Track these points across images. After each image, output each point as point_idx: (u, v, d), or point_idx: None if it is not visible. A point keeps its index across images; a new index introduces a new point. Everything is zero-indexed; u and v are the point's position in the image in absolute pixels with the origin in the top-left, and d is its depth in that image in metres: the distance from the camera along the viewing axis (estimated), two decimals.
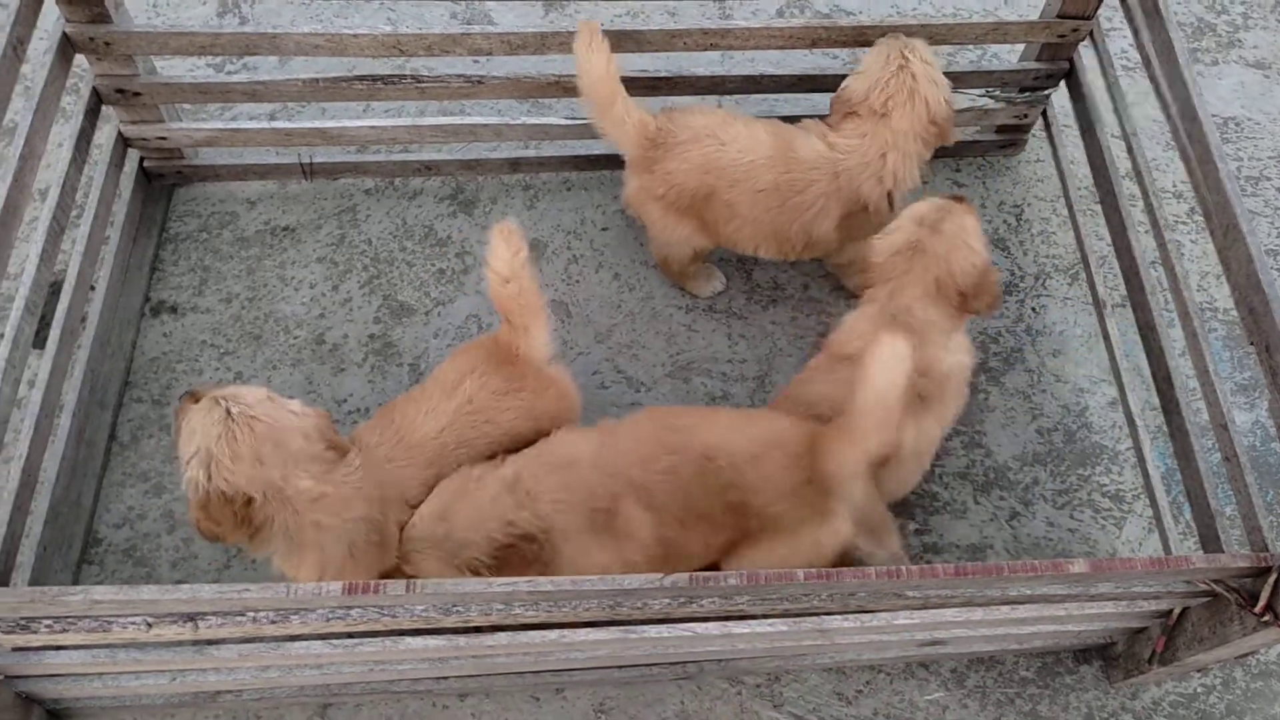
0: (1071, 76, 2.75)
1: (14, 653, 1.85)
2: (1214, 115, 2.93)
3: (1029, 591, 1.82)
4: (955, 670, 2.32)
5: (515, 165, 2.90)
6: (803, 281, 2.79)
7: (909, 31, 2.54)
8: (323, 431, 2.01)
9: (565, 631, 1.89)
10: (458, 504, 2.03)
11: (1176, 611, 2.01)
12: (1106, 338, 2.53)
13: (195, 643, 1.84)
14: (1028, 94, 2.80)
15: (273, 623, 1.70)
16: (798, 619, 1.90)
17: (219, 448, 1.88)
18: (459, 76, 2.59)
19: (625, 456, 2.04)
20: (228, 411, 1.89)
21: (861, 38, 2.55)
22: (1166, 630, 2.05)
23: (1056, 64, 2.73)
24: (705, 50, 2.55)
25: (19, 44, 2.16)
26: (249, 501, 1.89)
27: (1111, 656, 2.31)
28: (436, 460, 2.11)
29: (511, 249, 2.07)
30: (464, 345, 2.28)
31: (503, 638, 1.89)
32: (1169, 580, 1.79)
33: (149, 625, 1.69)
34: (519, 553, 2.00)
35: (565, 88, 2.63)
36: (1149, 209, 2.40)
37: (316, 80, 2.57)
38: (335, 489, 1.97)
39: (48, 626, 1.69)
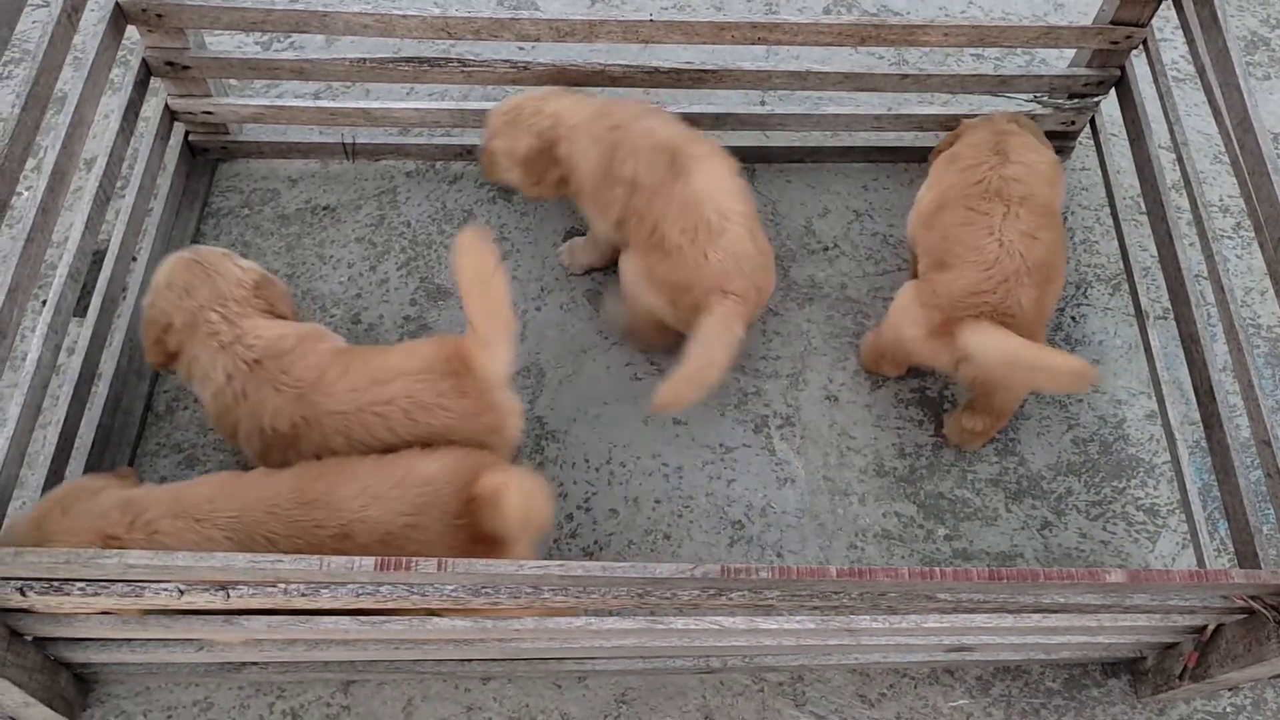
0: (1122, 84, 2.72)
1: (45, 614, 1.86)
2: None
3: (1062, 600, 1.80)
4: (980, 678, 2.30)
5: None
6: (840, 281, 2.78)
7: (959, 33, 2.52)
8: (261, 287, 2.23)
9: (592, 618, 1.88)
10: (56, 513, 1.91)
11: (1211, 627, 1.99)
12: (1148, 349, 2.51)
13: (225, 613, 1.85)
14: (1077, 100, 2.77)
15: (303, 595, 1.71)
16: (826, 616, 1.89)
17: (161, 280, 2.21)
18: (505, 61, 2.60)
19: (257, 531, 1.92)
20: (181, 257, 2.22)
21: (911, 38, 2.54)
22: (1200, 646, 2.02)
23: (1107, 71, 2.70)
24: (753, 44, 2.54)
25: (73, 12, 2.18)
26: (168, 327, 2.17)
27: (1140, 671, 2.28)
28: (332, 411, 2.09)
29: (479, 258, 2.04)
30: (431, 339, 2.20)
31: (529, 621, 1.89)
32: (1206, 595, 1.77)
33: (181, 593, 1.70)
34: None
35: (610, 76, 2.63)
36: (1196, 221, 2.36)
37: (363, 60, 2.58)
38: (236, 334, 2.14)
39: (80, 589, 1.70)
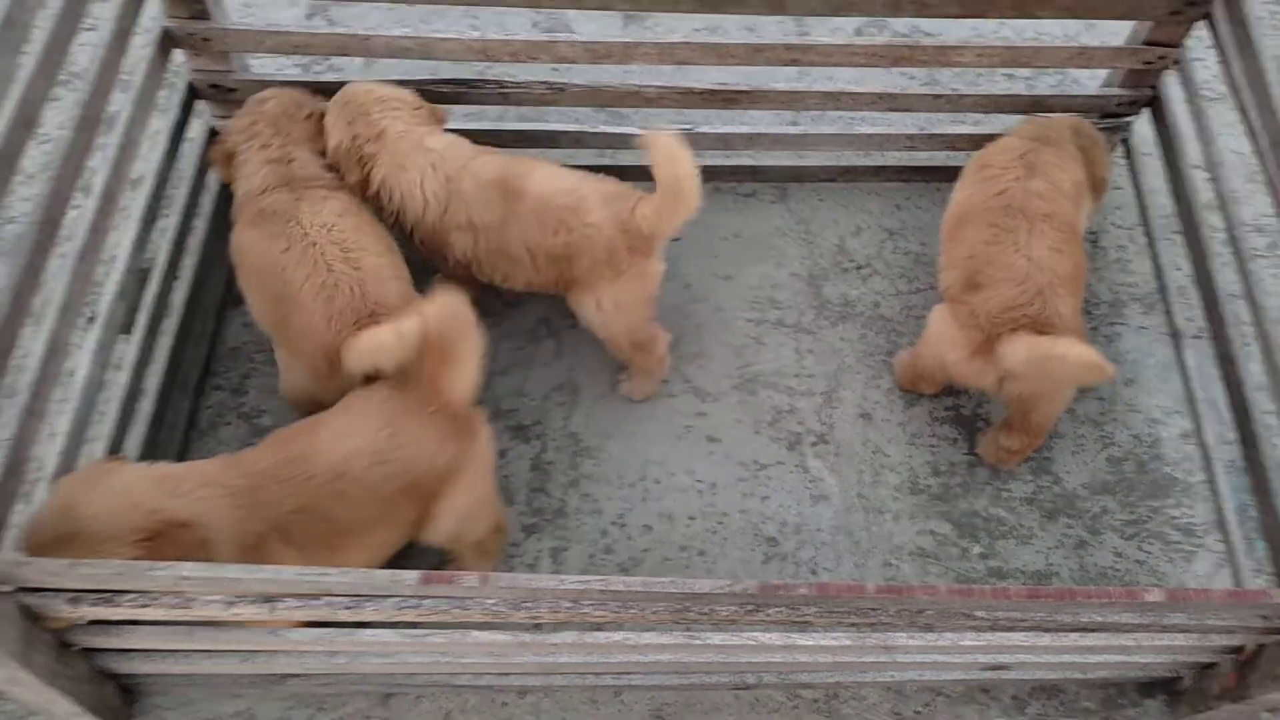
0: (1155, 104, 2.73)
1: (92, 625, 1.90)
2: None
3: (1100, 619, 1.80)
4: (1016, 697, 2.30)
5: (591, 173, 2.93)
6: (873, 300, 2.79)
7: (993, 54, 2.54)
8: (310, 110, 2.45)
9: (630, 633, 1.90)
10: (81, 495, 1.90)
11: (1251, 647, 1.98)
12: (1183, 368, 2.51)
13: (270, 624, 1.88)
14: (1109, 120, 2.78)
15: (347, 608, 1.73)
16: (862, 633, 1.90)
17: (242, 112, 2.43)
18: (542, 83, 2.64)
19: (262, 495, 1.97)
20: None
21: (944, 58, 2.56)
22: (1239, 666, 2.02)
23: (1140, 90, 2.71)
24: (787, 65, 2.57)
25: (123, 36, 2.25)
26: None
27: (1177, 691, 2.27)
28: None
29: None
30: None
31: (567, 636, 1.91)
32: (1246, 614, 1.77)
33: (229, 604, 1.73)
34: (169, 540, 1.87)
35: (645, 97, 2.67)
36: (1231, 240, 2.37)
37: (403, 82, 2.62)
38: (286, 156, 2.36)
39: (131, 600, 1.74)
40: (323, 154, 2.43)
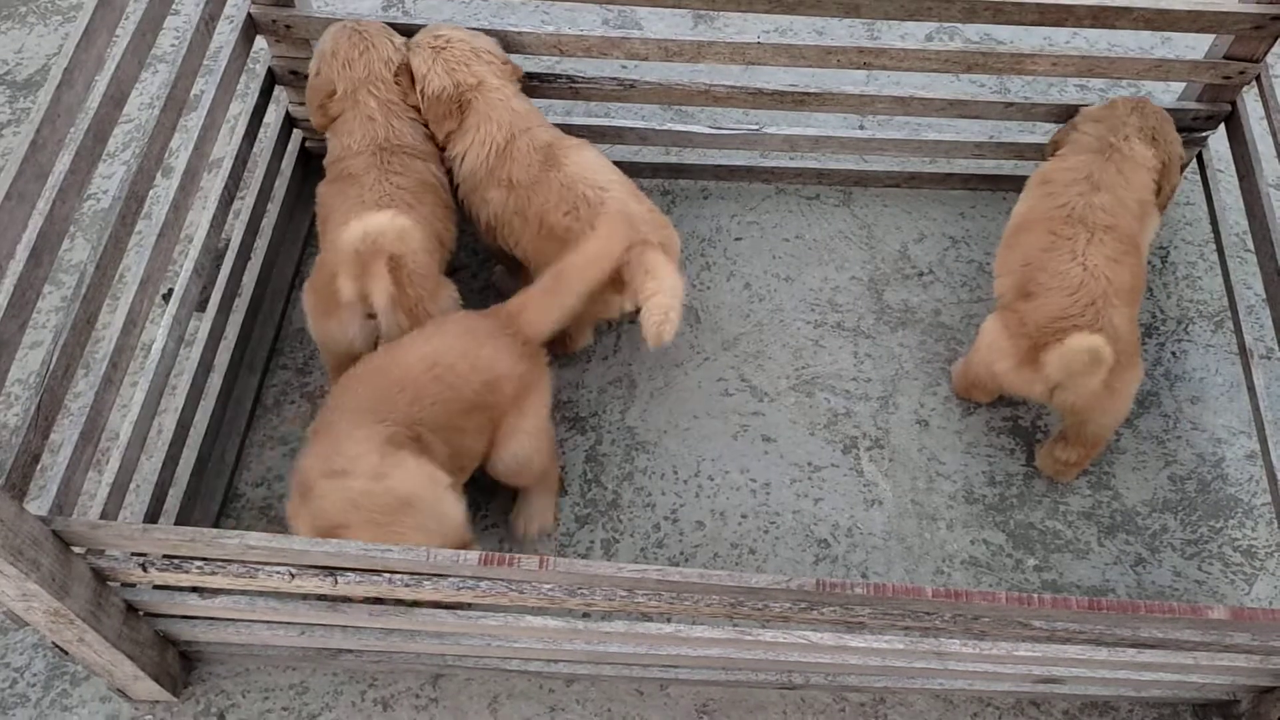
0: (1232, 120, 2.68)
1: (157, 590, 1.95)
2: None
3: (1160, 635, 1.78)
4: (1067, 712, 2.27)
5: (655, 170, 2.96)
6: (934, 307, 2.78)
7: (1067, 63, 2.52)
8: (403, 66, 2.49)
9: (680, 625, 1.91)
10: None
11: None
12: (1250, 388, 2.46)
13: (330, 598, 1.92)
14: (1185, 134, 2.74)
15: (406, 586, 1.77)
16: (915, 637, 1.90)
17: (328, 50, 2.48)
18: (612, 79, 2.66)
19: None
20: (345, 25, 2.50)
21: (1019, 66, 2.54)
22: None
23: (1217, 106, 2.66)
24: (859, 69, 2.57)
25: (210, 20, 2.30)
26: (331, 94, 2.47)
27: (1234, 715, 2.23)
28: None
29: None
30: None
31: (619, 625, 1.93)
32: None
33: (292, 575, 1.77)
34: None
35: (714, 96, 2.68)
36: None
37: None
38: (383, 104, 2.46)
39: (198, 568, 1.78)
40: (416, 109, 2.50)
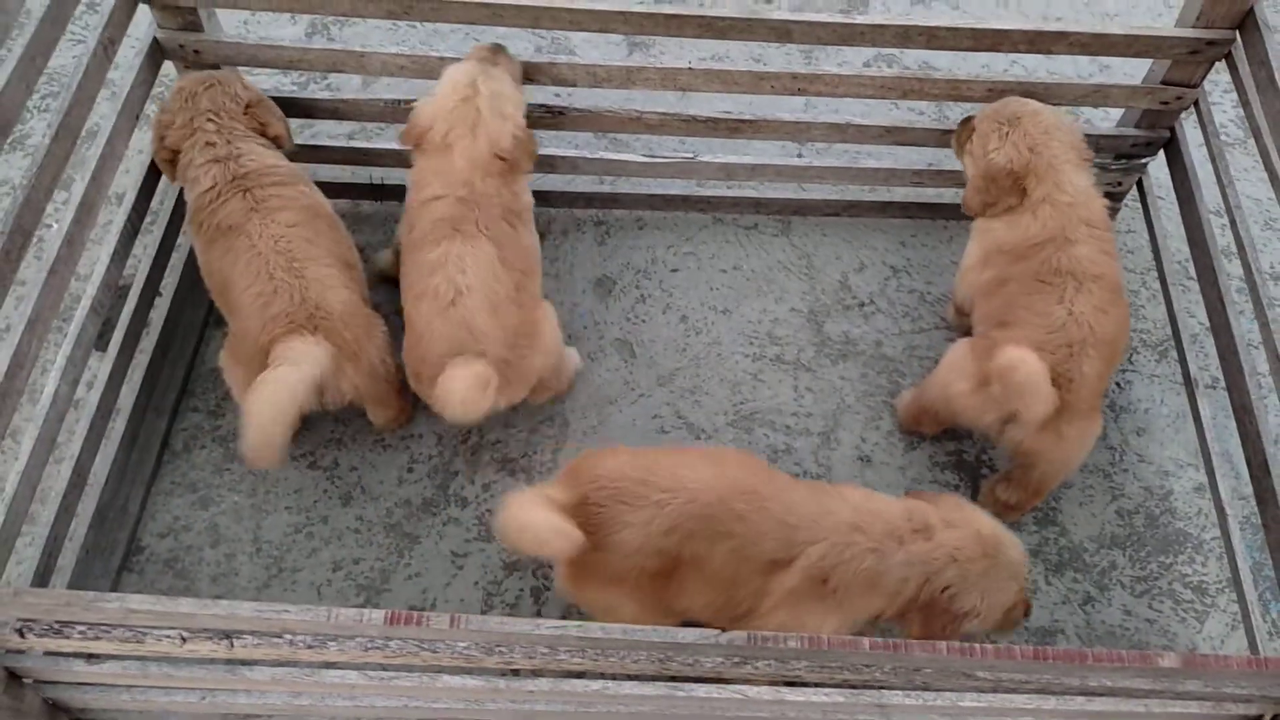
0: (1171, 145, 2.65)
1: (45, 657, 1.80)
2: None
3: (1110, 684, 1.69)
4: None
5: (589, 200, 2.87)
6: (875, 338, 2.70)
7: (1005, 90, 2.47)
8: (254, 107, 2.38)
9: (610, 682, 1.80)
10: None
11: (1268, 717, 1.87)
12: (1197, 419, 2.41)
13: (229, 662, 1.78)
14: (1124, 161, 2.71)
15: (309, 648, 1.63)
16: (856, 690, 1.79)
17: (175, 88, 2.38)
18: (540, 106, 2.57)
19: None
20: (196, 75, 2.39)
21: (955, 92, 2.49)
22: None
23: (1157, 132, 2.63)
24: (794, 95, 2.50)
25: (109, 44, 2.18)
26: (170, 124, 2.34)
27: None
28: None
29: None
30: None
31: (544, 683, 1.81)
32: (1266, 683, 1.66)
33: (183, 640, 1.63)
34: None
35: (646, 124, 2.60)
36: (1250, 288, 2.28)
37: (399, 102, 2.55)
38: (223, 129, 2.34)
39: (81, 633, 1.64)
40: (275, 142, 2.41)
